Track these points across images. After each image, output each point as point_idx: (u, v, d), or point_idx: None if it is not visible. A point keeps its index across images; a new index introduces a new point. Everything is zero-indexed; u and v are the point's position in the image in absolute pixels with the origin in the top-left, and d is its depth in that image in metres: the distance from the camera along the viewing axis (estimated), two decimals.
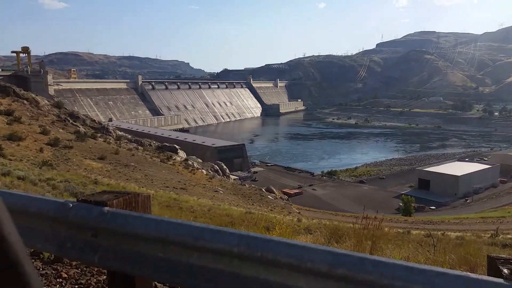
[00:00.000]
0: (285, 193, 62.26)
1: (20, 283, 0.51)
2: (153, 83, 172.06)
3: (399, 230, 17.68)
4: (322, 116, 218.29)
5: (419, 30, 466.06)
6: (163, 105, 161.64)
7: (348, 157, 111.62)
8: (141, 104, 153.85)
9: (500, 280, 1.72)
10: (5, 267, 0.50)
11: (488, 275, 1.84)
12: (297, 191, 68.28)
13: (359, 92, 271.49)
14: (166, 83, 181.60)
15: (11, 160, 28.67)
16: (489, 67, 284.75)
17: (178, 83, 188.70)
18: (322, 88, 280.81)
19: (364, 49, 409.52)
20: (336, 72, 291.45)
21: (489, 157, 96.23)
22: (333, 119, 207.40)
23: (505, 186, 75.45)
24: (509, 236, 19.59)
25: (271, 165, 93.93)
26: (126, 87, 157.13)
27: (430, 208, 62.39)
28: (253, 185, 55.18)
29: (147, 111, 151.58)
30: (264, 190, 50.34)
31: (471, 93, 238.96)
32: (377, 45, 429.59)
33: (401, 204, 58.12)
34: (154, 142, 66.75)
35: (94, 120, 69.16)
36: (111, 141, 55.35)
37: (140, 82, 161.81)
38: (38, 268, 3.52)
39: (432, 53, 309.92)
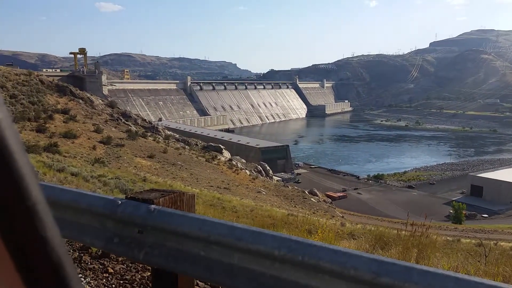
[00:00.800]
0: (328, 196, 61.34)
1: (61, 285, 0.53)
2: (201, 84, 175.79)
3: (448, 238, 16.91)
4: (370, 118, 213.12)
5: (477, 29, 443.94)
6: (210, 106, 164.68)
7: (397, 161, 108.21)
8: (189, 105, 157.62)
9: None
10: (47, 269, 0.52)
11: None
12: (341, 194, 67.05)
13: (410, 93, 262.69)
14: (214, 84, 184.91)
15: (65, 156, 30.34)
16: None
17: (225, 84, 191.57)
18: (371, 88, 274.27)
19: (417, 48, 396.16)
20: (386, 72, 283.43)
21: None
22: (382, 121, 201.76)
23: None
24: None
25: (315, 167, 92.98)
26: (175, 87, 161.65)
27: (482, 216, 59.24)
28: (296, 187, 54.84)
29: (195, 111, 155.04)
30: (307, 192, 49.89)
31: None
32: (430, 44, 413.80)
33: (451, 211, 55.66)
34: (200, 141, 68.12)
35: (145, 120, 71.66)
36: (160, 140, 57.11)
37: (189, 83, 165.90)
38: (86, 262, 3.67)
39: (490, 53, 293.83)
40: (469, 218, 55.12)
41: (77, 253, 3.87)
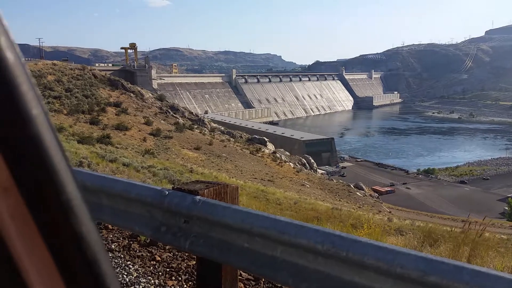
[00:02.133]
0: (375, 191, 59.89)
1: (95, 283, 0.53)
2: (246, 77, 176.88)
3: (502, 236, 16.00)
4: (420, 110, 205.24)
5: None
6: (255, 98, 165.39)
7: (449, 155, 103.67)
8: (234, 97, 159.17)
9: None
10: (81, 266, 0.52)
11: None
12: (388, 189, 65.24)
13: (463, 83, 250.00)
14: (258, 77, 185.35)
15: (117, 148, 31.64)
16: None
17: (270, 76, 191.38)
18: (422, 79, 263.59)
19: (471, 36, 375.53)
20: (438, 62, 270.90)
21: None
22: (433, 113, 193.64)
23: None
24: None
25: (361, 161, 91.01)
26: (221, 81, 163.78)
27: None
28: (341, 181, 53.95)
29: (239, 104, 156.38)
30: (352, 186, 48.94)
31: None
32: (486, 32, 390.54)
33: (506, 208, 52.71)
34: (245, 134, 68.64)
35: (192, 113, 73.20)
36: (206, 132, 58.20)
37: (234, 76, 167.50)
38: (135, 250, 3.83)
39: None
40: None
41: (127, 241, 4.05)
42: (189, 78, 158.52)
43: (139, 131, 46.55)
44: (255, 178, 37.30)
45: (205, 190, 2.78)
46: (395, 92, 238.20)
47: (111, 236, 4.24)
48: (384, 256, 1.92)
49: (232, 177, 31.64)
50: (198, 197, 2.69)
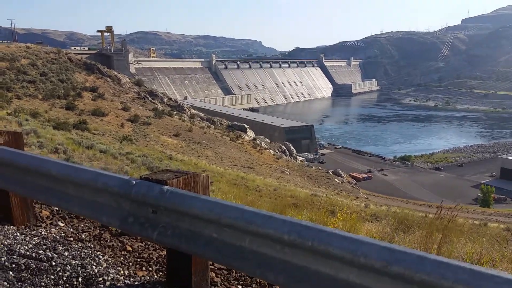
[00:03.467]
0: (353, 177, 60.89)
1: None
2: (226, 63, 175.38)
3: (474, 222, 16.53)
4: (398, 97, 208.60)
5: None
6: (235, 84, 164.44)
7: (425, 142, 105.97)
8: (214, 83, 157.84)
9: None
10: None
11: None
12: (366, 175, 66.42)
13: (440, 71, 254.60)
14: (238, 62, 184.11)
15: (94, 134, 31.03)
16: None
17: (250, 62, 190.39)
18: (400, 66, 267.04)
19: (448, 25, 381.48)
20: (416, 50, 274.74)
21: None
22: (410, 100, 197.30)
23: None
24: None
25: (340, 148, 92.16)
26: (201, 66, 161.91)
27: None
28: (320, 167, 54.57)
29: (219, 90, 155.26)
30: (331, 173, 49.56)
31: None
32: (462, 21, 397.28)
33: (479, 194, 54.43)
34: (225, 120, 68.37)
35: (171, 98, 72.28)
36: (185, 119, 57.62)
37: (214, 62, 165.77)
38: (105, 239, 3.77)
39: None
40: (498, 202, 53.76)
41: (98, 230, 3.97)
42: (168, 62, 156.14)
43: (117, 117, 45.71)
44: (235, 165, 37.30)
45: (174, 180, 2.71)
46: (373, 80, 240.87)
47: (82, 225, 4.15)
48: (349, 246, 1.92)
49: (212, 164, 31.53)
50: (166, 187, 2.64)
